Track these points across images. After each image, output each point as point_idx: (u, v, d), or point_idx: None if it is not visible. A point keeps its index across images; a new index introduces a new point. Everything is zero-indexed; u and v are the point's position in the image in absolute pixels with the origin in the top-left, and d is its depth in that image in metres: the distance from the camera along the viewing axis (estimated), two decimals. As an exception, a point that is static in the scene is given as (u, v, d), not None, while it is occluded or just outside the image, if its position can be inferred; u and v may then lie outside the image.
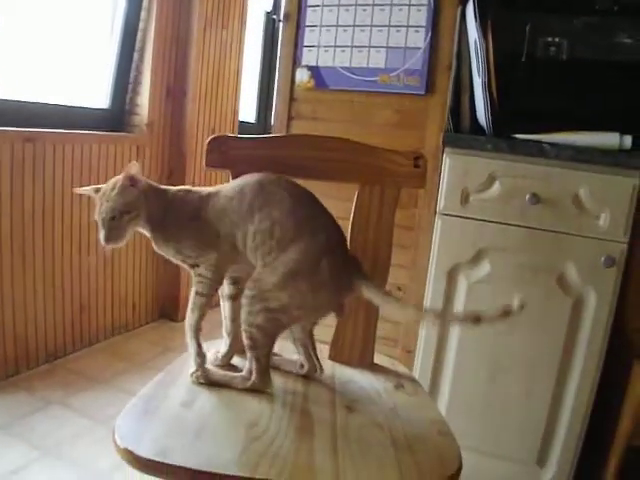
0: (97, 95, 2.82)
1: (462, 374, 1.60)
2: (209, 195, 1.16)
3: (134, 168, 1.11)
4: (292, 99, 1.75)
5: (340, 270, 1.06)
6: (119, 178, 1.13)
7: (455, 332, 1.58)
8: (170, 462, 0.88)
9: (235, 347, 1.24)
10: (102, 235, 1.11)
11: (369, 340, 1.32)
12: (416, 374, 1.63)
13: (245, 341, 1.09)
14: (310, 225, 1.08)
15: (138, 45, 2.83)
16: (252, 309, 1.07)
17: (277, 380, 1.20)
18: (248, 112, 3.91)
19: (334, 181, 1.45)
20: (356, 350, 1.32)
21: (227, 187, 1.16)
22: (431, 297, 1.59)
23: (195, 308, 1.15)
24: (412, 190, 1.56)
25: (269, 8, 3.91)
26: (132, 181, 1.13)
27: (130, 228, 1.14)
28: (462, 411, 1.62)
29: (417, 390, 1.22)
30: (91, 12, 2.69)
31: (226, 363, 1.23)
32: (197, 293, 1.15)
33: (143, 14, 2.80)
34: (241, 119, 3.53)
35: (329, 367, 1.29)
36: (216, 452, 0.92)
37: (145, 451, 0.91)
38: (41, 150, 2.37)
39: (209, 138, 1.34)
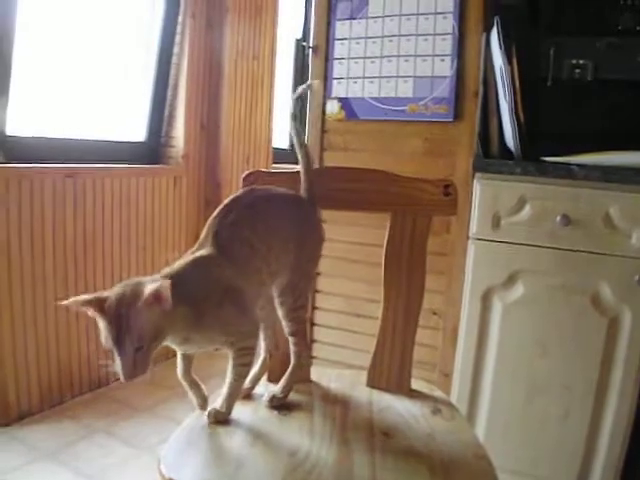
0: (134, 129, 2.91)
1: (499, 396, 1.60)
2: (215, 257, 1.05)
3: (165, 288, 0.89)
4: (324, 130, 1.79)
5: None
6: (140, 291, 0.91)
7: (492, 354, 1.59)
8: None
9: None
10: (124, 370, 0.91)
11: (406, 366, 1.33)
12: (454, 397, 1.64)
13: (293, 327, 1.18)
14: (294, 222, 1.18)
15: (172, 80, 2.92)
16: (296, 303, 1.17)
17: (316, 405, 1.24)
18: (282, 138, 3.97)
19: (366, 211, 1.49)
20: (393, 376, 1.33)
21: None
22: (467, 320, 1.60)
23: (242, 379, 1.11)
24: (444, 216, 1.59)
25: (299, 35, 3.98)
26: (158, 300, 0.90)
27: (150, 361, 0.94)
28: (500, 433, 1.62)
29: (454, 415, 1.23)
30: (127, 49, 2.78)
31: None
32: (245, 365, 1.09)
33: (176, 49, 2.89)
34: (276, 146, 3.59)
35: (367, 393, 1.31)
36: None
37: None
38: (81, 185, 2.45)
39: (244, 174, 1.38)
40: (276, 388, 1.20)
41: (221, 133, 3.09)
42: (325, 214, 1.82)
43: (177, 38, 2.89)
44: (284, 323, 1.20)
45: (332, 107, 1.74)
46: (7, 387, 2.24)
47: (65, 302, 0.93)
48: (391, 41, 1.62)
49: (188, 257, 1.04)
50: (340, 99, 1.73)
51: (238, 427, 1.10)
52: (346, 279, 1.78)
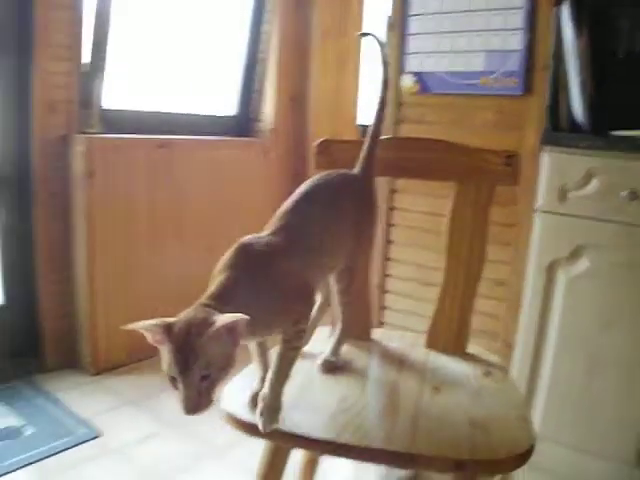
0: (225, 104, 3.04)
1: (560, 369, 1.61)
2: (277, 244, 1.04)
3: (241, 323, 0.86)
4: (399, 104, 1.84)
5: None
6: (211, 321, 0.85)
7: (554, 327, 1.60)
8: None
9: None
10: (187, 401, 0.85)
11: (463, 330, 1.38)
12: (515, 368, 1.67)
13: (344, 299, 1.24)
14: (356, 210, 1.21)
15: (262, 56, 3.03)
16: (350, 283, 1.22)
17: (372, 360, 1.31)
18: (367, 116, 4.00)
19: (432, 180, 1.54)
20: (451, 339, 1.38)
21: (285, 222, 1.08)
22: (531, 292, 1.62)
23: (291, 367, 1.05)
24: (513, 188, 1.61)
25: (390, 12, 4.00)
26: (232, 333, 0.87)
27: (216, 394, 0.89)
28: (558, 406, 1.63)
29: (504, 378, 1.27)
30: (219, 26, 2.91)
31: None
32: (296, 348, 1.05)
33: (266, 26, 2.99)
34: (362, 123, 3.64)
35: (424, 354, 1.37)
36: (307, 420, 1.04)
37: (246, 415, 1.04)
38: (172, 155, 2.59)
39: (317, 142, 1.46)
40: (326, 352, 1.24)
41: (309, 108, 3.18)
42: (400, 184, 1.89)
43: (267, 16, 2.99)
44: (336, 295, 1.24)
45: (407, 81, 1.79)
46: (98, 341, 2.43)
47: (130, 326, 0.88)
48: (464, 16, 1.65)
49: (254, 245, 1.02)
50: (414, 73, 1.77)
51: (295, 373, 1.18)
52: (417, 247, 1.83)
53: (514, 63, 1.59)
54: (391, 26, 1.82)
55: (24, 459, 1.83)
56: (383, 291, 1.97)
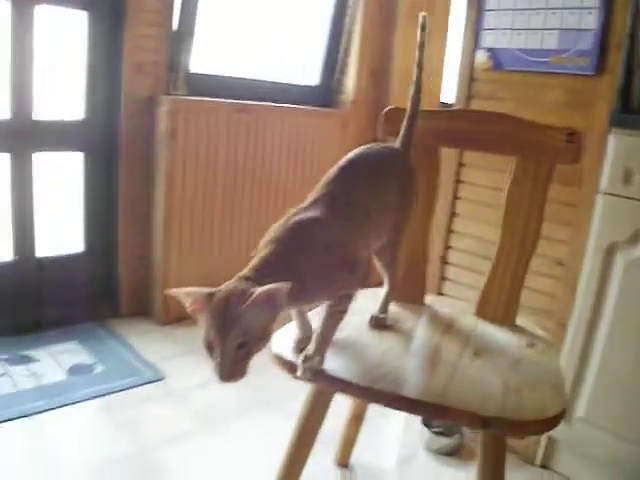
0: (308, 73, 3.11)
1: (611, 353, 1.60)
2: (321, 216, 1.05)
3: (281, 291, 0.88)
4: (472, 79, 1.86)
5: None
6: (250, 291, 0.88)
7: (609, 310, 1.59)
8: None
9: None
10: (222, 367, 0.88)
11: (512, 303, 1.40)
12: (566, 348, 1.67)
13: (389, 270, 1.29)
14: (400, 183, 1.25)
15: (346, 28, 3.06)
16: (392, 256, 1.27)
17: (421, 322, 1.36)
18: (451, 94, 3.98)
19: (494, 153, 1.56)
20: (500, 310, 1.41)
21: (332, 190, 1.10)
22: (588, 274, 1.62)
23: (336, 326, 1.09)
24: (578, 168, 1.61)
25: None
26: (271, 302, 0.90)
27: (249, 364, 0.92)
28: (607, 391, 1.61)
29: (547, 351, 1.29)
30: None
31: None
32: (342, 312, 1.08)
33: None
34: (444, 101, 3.63)
35: (472, 321, 1.41)
36: (348, 366, 1.11)
37: (290, 357, 1.12)
38: (252, 120, 2.68)
39: (385, 110, 1.51)
40: (375, 310, 1.29)
41: (391, 82, 3.20)
42: (467, 158, 1.91)
43: (353, -12, 3.03)
44: (380, 265, 1.29)
45: (481, 57, 1.81)
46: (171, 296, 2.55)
47: (172, 291, 0.93)
48: (541, -6, 1.66)
49: (298, 217, 1.04)
50: (488, 49, 1.79)
51: (347, 325, 1.22)
52: (480, 222, 1.85)
53: (587, 42, 1.58)
54: (470, 2, 1.83)
55: (93, 392, 1.99)
56: (444, 262, 2.00)
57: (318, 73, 3.12)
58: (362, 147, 1.22)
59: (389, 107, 1.51)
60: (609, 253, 1.59)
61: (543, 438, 1.78)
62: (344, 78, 3.15)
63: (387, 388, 1.05)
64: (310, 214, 1.04)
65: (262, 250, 1.00)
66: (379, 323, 1.27)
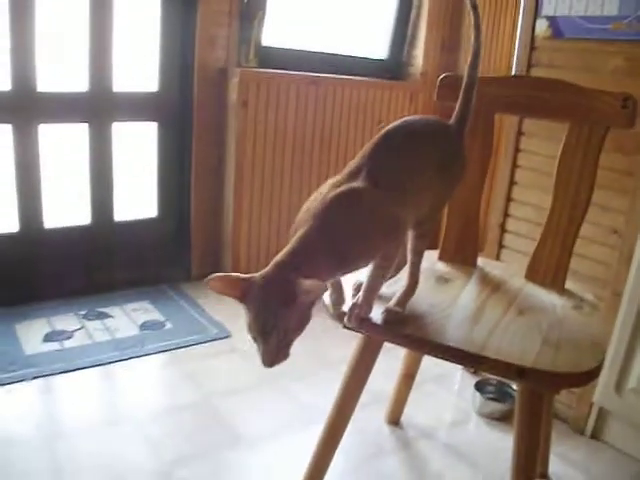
0: (377, 47, 3.15)
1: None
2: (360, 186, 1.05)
3: (322, 289, 0.93)
4: (532, 48, 1.86)
5: None
6: (291, 286, 0.91)
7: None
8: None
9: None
10: (266, 357, 0.95)
11: (562, 267, 1.42)
12: (620, 317, 1.68)
13: (413, 258, 1.20)
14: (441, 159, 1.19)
15: (415, 2, 3.08)
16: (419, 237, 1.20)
17: (471, 281, 1.41)
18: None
19: (547, 119, 1.58)
20: (549, 273, 1.43)
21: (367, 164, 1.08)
22: (643, 243, 1.62)
23: (381, 281, 1.12)
24: (636, 136, 1.60)
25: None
26: (312, 300, 0.94)
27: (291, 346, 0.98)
28: None
29: (593, 313, 1.31)
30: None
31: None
32: (384, 267, 1.10)
33: (421, -28, 3.04)
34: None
35: (521, 283, 1.43)
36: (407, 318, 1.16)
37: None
38: (323, 92, 2.74)
39: (441, 75, 1.54)
40: (391, 302, 1.18)
41: (461, 54, 3.20)
42: (526, 127, 1.92)
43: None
44: (409, 253, 1.21)
45: (541, 25, 1.80)
46: (240, 258, 2.68)
47: (210, 279, 0.93)
48: (603, -42, 1.64)
49: (333, 193, 1.03)
50: (548, 17, 1.78)
51: (397, 281, 1.28)
52: (539, 190, 1.84)
53: (649, 8, 1.57)
54: (532, -30, 1.83)
55: (162, 346, 2.12)
56: (503, 230, 2.02)
57: (387, 46, 3.15)
58: (403, 119, 1.19)
59: (445, 74, 1.53)
60: (665, 222, 1.58)
61: (594, 409, 1.79)
62: (413, 50, 3.17)
63: (428, 336, 1.10)
64: (345, 186, 1.05)
65: (300, 229, 1.01)
66: (395, 317, 1.15)
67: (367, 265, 1.08)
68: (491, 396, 1.90)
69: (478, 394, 1.89)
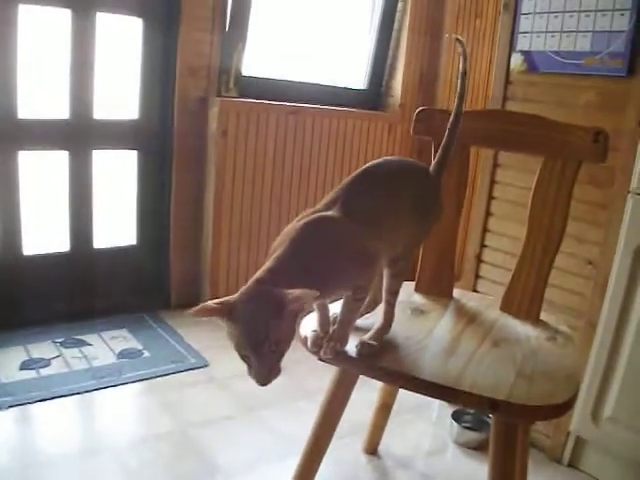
0: (356, 78, 3.19)
1: (638, 354, 1.62)
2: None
3: (309, 297, 0.94)
4: (508, 82, 1.90)
5: None
6: (278, 298, 0.92)
7: (637, 310, 1.60)
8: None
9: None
10: (260, 375, 0.94)
11: (536, 298, 1.43)
12: (595, 347, 1.69)
13: (386, 297, 1.21)
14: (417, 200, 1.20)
15: (395, 34, 3.13)
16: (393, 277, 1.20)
17: (446, 314, 1.41)
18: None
19: (521, 152, 1.61)
20: (524, 305, 1.45)
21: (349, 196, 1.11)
22: (617, 274, 1.63)
23: (357, 312, 1.14)
24: (609, 169, 1.63)
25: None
26: (300, 309, 0.95)
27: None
28: (633, 391, 1.62)
29: (567, 344, 1.32)
30: (354, 5, 3.07)
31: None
32: (358, 300, 1.11)
33: (400, 5, 3.09)
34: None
35: (496, 315, 1.44)
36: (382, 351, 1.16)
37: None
38: (302, 122, 2.77)
39: (418, 109, 1.57)
40: (366, 335, 1.18)
41: (439, 86, 3.25)
42: (502, 159, 1.95)
43: (401, -5, 3.10)
44: (384, 293, 1.21)
45: (516, 60, 1.85)
46: (219, 285, 2.68)
47: (192, 310, 0.92)
48: (575, -4, 1.69)
49: (309, 218, 1.06)
50: (523, 52, 1.82)
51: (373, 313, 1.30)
52: (514, 221, 1.87)
53: (620, 44, 1.60)
54: (506, 6, 1.87)
55: (140, 375, 2.12)
56: (479, 261, 2.04)
57: (367, 76, 3.19)
58: (384, 158, 1.23)
59: (422, 107, 1.56)
60: (638, 254, 1.60)
61: (571, 437, 1.80)
62: (392, 82, 3.22)
63: (403, 369, 1.11)
64: (322, 214, 1.07)
65: (276, 251, 1.02)
66: (368, 350, 1.14)
67: (342, 294, 1.10)
68: (468, 425, 1.91)
69: (455, 423, 1.89)
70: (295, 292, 0.91)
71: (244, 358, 0.94)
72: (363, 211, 1.09)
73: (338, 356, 1.13)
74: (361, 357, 1.13)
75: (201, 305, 0.93)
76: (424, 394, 1.12)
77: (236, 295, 0.95)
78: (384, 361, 1.13)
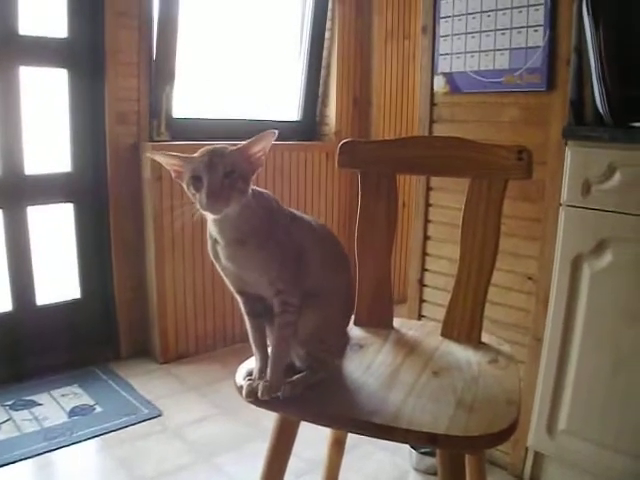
0: (289, 110, 3.19)
1: (586, 364, 1.60)
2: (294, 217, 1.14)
3: (269, 141, 1.02)
4: (433, 104, 1.90)
5: None
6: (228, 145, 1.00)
7: (580, 322, 1.60)
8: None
9: None
10: (208, 195, 0.96)
11: (476, 320, 1.42)
12: (543, 362, 1.69)
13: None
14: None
15: (324, 62, 3.15)
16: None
17: (386, 346, 1.38)
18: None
19: (447, 176, 1.61)
20: (464, 329, 1.43)
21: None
22: (557, 287, 1.63)
23: (287, 340, 1.11)
24: (539, 183, 1.64)
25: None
26: (258, 154, 1.03)
27: (235, 200, 0.98)
28: (585, 401, 1.62)
29: (508, 365, 1.30)
30: (280, 36, 3.09)
31: None
32: (289, 324, 1.10)
33: (327, 33, 3.11)
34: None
35: (437, 342, 1.42)
36: (307, 391, 1.13)
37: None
38: (239, 159, 2.74)
39: (341, 143, 1.55)
40: (295, 376, 1.14)
41: (372, 110, 3.27)
42: (435, 182, 1.94)
43: (328, 24, 3.11)
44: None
45: (439, 82, 1.85)
46: (168, 332, 2.63)
47: (154, 155, 1.03)
48: (489, 16, 1.68)
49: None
50: (445, 74, 1.83)
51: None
52: (451, 243, 1.87)
53: (537, 59, 1.61)
54: (424, 29, 1.88)
55: (92, 432, 2.07)
56: (422, 285, 2.03)
57: (300, 108, 3.20)
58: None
59: (345, 140, 1.53)
60: (575, 265, 1.61)
61: (530, 453, 1.79)
62: (326, 110, 3.23)
63: (338, 411, 1.08)
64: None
65: None
66: (290, 393, 1.10)
67: (266, 281, 1.10)
68: (426, 450, 1.88)
69: (414, 451, 1.87)
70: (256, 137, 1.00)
71: (196, 185, 0.98)
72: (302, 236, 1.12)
73: (273, 400, 1.09)
74: (286, 400, 1.10)
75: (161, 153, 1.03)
76: (362, 434, 1.10)
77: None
78: (320, 403, 1.10)
